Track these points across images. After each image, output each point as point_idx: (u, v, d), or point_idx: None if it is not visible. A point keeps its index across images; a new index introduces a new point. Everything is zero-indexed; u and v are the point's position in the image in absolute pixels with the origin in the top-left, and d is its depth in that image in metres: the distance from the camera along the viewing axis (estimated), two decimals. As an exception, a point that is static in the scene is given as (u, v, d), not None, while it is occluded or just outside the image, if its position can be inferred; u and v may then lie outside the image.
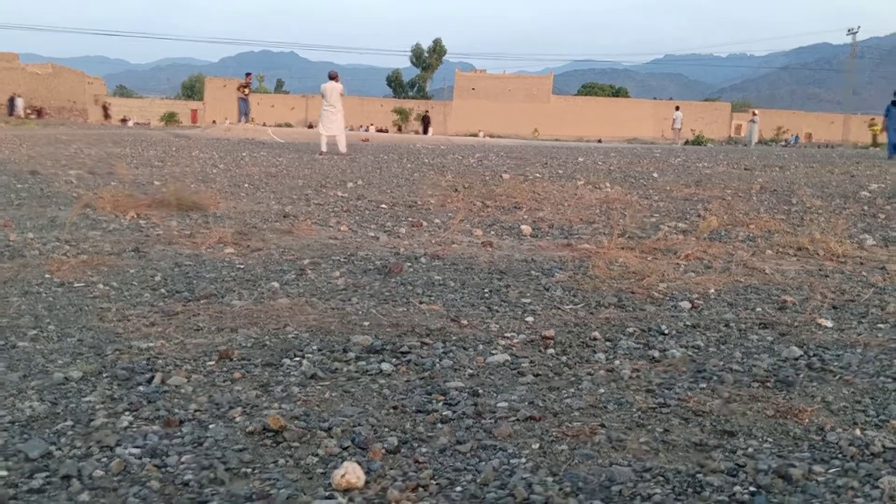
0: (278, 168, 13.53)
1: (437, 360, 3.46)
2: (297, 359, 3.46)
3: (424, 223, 7.88)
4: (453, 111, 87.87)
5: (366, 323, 4.08)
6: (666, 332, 4.00)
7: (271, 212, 8.34)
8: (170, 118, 76.54)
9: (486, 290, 4.96)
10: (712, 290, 5.03)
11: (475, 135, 51.66)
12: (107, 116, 64.50)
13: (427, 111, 57.15)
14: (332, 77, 18.17)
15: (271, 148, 19.50)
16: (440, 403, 2.97)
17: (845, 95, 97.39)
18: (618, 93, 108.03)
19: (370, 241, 6.79)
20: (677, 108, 38.38)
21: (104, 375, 3.20)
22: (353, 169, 13.73)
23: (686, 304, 4.61)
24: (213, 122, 54.83)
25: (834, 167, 15.33)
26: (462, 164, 15.11)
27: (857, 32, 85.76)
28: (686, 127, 68.38)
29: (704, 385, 3.21)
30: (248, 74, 31.48)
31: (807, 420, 2.84)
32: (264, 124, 31.07)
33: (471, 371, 3.36)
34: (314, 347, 3.62)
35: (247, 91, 29.36)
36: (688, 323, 4.18)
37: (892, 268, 5.82)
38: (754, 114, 41.04)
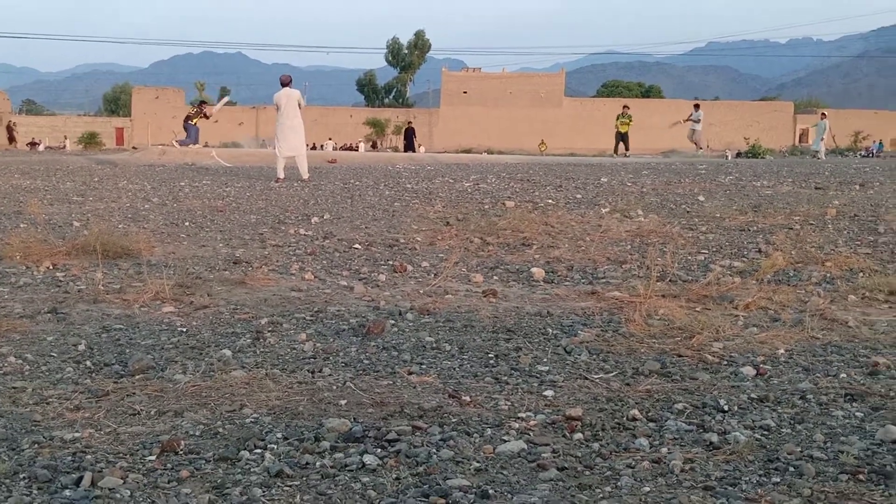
0: (226, 200, 13.55)
1: (434, 451, 3.45)
2: (259, 451, 3.45)
3: (409, 267, 7.90)
4: (440, 121, 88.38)
5: (342, 401, 4.08)
6: (725, 408, 4.00)
7: (219, 257, 8.36)
8: (90, 140, 76.62)
9: (491, 355, 4.96)
10: (782, 351, 5.03)
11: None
12: (11, 139, 64.53)
13: (410, 121, 57.29)
14: (285, 83, 18.12)
15: (216, 174, 19.53)
16: (440, 508, 2.96)
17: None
18: (649, 92, 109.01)
19: (342, 293, 6.81)
20: (696, 107, 38.44)
21: (21, 476, 3.19)
22: (318, 199, 13.76)
23: (749, 370, 4.61)
24: (133, 147, 54.75)
25: (931, 183, 15.36)
26: (454, 189, 15.15)
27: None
28: (737, 133, 68.58)
29: (779, 479, 3.20)
30: (202, 103, 32.45)
31: (912, 522, 2.83)
32: (206, 144, 31.18)
33: (477, 464, 3.35)
34: (278, 435, 3.61)
35: (195, 121, 29.99)
36: (753, 395, 4.18)
37: None
38: (823, 115, 41.16)
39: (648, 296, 6.25)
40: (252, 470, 3.28)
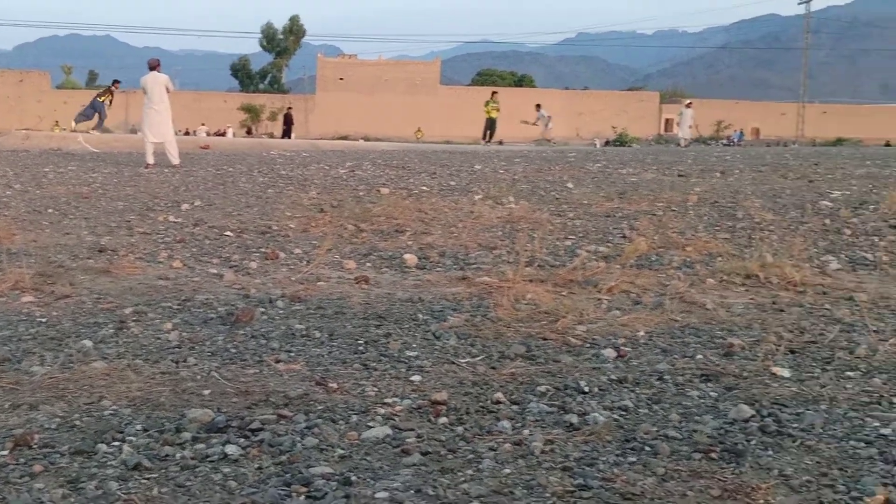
0: (92, 187, 13.23)
1: (299, 439, 3.42)
2: (117, 443, 3.38)
3: (282, 254, 7.83)
4: (317, 107, 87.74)
5: (205, 392, 4.01)
6: (586, 389, 4.05)
7: (83, 245, 8.15)
8: (-50, 125, 73.99)
9: (360, 342, 4.94)
10: (642, 333, 5.13)
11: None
12: None
13: (290, 107, 56.82)
14: (153, 66, 17.83)
15: (83, 160, 19.04)
16: (302, 497, 2.93)
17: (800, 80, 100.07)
18: (521, 81, 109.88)
19: (211, 281, 6.70)
20: (538, 106, 40.41)
21: None
22: (189, 185, 13.54)
23: (611, 353, 4.69)
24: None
25: (787, 171, 15.77)
26: (329, 175, 15.08)
27: (810, 1, 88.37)
28: (605, 122, 69.94)
29: (634, 459, 3.26)
30: (116, 82, 32.17)
31: (761, 500, 2.90)
32: (73, 130, 30.47)
33: (342, 451, 3.33)
34: (138, 427, 3.54)
35: (103, 99, 29.54)
36: (613, 377, 4.25)
37: (861, 298, 5.99)
38: (689, 105, 42.21)
39: (517, 281, 6.31)
40: (109, 463, 3.20)
